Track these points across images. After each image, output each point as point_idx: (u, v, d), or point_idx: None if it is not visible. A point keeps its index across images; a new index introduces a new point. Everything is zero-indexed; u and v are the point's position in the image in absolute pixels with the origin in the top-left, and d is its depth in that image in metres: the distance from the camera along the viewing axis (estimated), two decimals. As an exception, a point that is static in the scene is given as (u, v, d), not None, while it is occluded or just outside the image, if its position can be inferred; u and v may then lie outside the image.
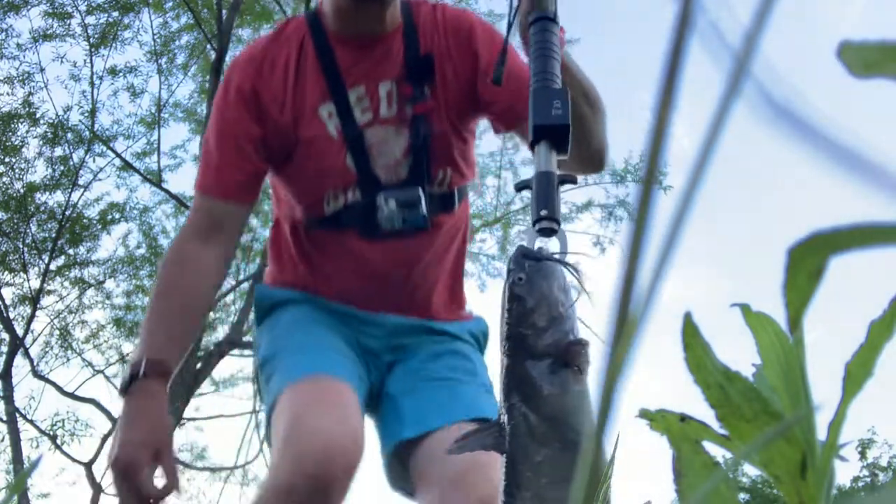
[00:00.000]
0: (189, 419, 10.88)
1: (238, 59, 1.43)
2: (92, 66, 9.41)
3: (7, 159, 9.49)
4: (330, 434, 1.15)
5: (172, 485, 1.20)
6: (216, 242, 1.41)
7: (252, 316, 1.60)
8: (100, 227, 10.21)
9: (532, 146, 1.04)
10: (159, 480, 1.20)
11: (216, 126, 1.41)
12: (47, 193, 9.78)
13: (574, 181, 1.11)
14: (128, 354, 10.72)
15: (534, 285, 0.91)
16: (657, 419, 0.60)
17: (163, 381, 1.25)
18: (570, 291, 0.93)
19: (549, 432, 0.87)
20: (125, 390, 1.23)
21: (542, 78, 1.05)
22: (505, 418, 0.88)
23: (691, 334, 0.56)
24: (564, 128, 1.02)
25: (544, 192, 0.99)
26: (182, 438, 12.67)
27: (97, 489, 9.27)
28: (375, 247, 1.41)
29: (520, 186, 1.06)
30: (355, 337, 1.46)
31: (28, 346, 9.64)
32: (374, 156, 1.38)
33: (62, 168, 9.70)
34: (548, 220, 0.97)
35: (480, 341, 1.55)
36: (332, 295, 1.48)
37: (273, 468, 1.17)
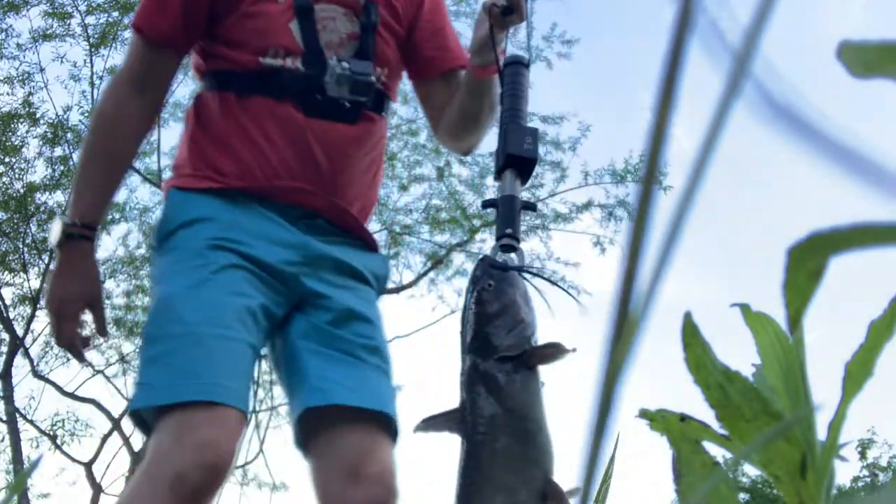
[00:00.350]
0: (189, 419, 10.88)
1: None
2: (92, 66, 9.41)
3: (7, 159, 9.50)
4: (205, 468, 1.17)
5: (101, 330, 1.39)
6: (150, 92, 1.45)
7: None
8: (99, 227, 10.20)
9: (499, 172, 1.20)
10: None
11: None
12: (47, 193, 9.79)
13: (534, 208, 1.26)
14: (128, 354, 10.73)
15: (501, 292, 1.05)
16: (657, 419, 0.60)
17: (91, 240, 1.38)
18: (531, 299, 1.07)
19: (509, 423, 0.99)
20: (59, 246, 1.35)
21: (516, 114, 1.23)
22: (468, 407, 1.00)
23: (691, 334, 0.56)
24: (532, 161, 1.20)
25: (509, 213, 1.16)
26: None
27: (97, 489, 9.27)
28: (311, 125, 1.40)
29: (486, 204, 1.21)
30: (268, 261, 1.38)
31: (28, 346, 9.65)
32: (320, 30, 1.42)
33: (62, 168, 9.70)
34: (510, 237, 1.13)
35: (381, 283, 1.57)
36: (254, 180, 1.40)
37: (156, 468, 1.17)
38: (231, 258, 1.34)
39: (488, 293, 1.05)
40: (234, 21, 1.41)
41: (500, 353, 1.01)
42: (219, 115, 1.43)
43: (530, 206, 1.20)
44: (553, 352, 1.01)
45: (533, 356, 1.01)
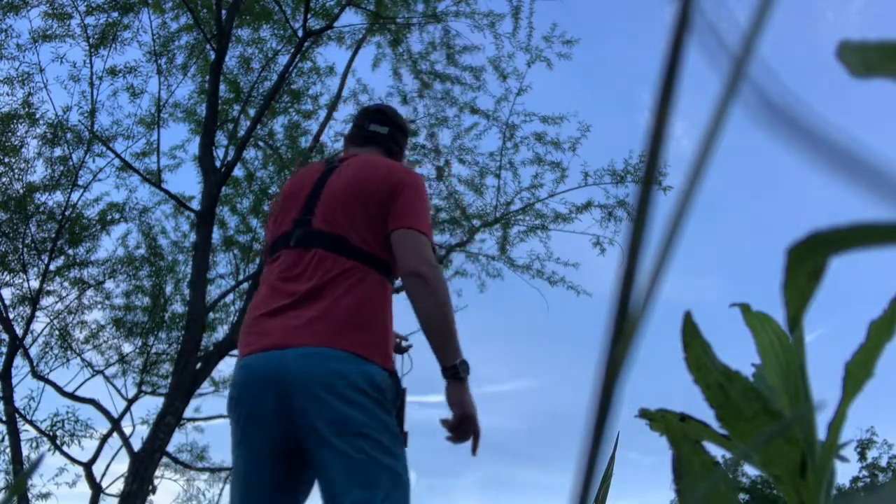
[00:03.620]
0: (189, 419, 10.88)
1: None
2: (91, 67, 9.40)
3: (7, 159, 9.49)
4: None
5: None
6: None
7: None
8: (99, 227, 10.21)
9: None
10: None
11: (427, 207, 2.02)
12: (47, 194, 9.78)
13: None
14: (127, 355, 10.74)
15: None
16: (657, 419, 0.60)
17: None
18: None
19: None
20: (464, 378, 1.87)
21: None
22: None
23: (691, 334, 0.56)
24: None
25: None
26: (182, 438, 12.67)
27: (97, 489, 9.27)
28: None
29: None
30: None
31: (28, 346, 9.64)
32: None
33: (62, 168, 9.70)
34: None
35: None
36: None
37: None
38: None
39: None
40: None
41: None
42: (387, 304, 1.97)
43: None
44: None
45: None
